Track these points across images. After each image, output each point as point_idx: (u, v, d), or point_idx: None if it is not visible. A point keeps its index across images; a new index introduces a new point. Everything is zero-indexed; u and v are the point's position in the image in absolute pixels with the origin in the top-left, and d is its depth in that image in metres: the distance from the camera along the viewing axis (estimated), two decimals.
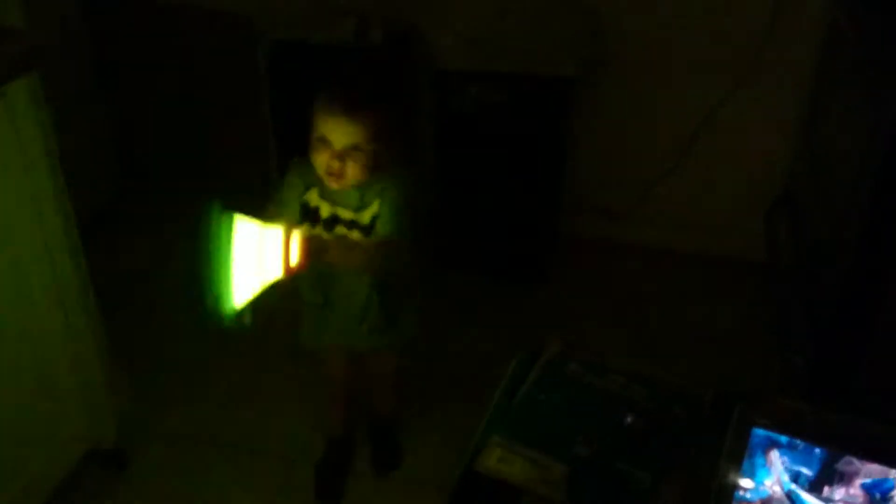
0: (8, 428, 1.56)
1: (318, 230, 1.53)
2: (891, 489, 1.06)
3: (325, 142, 1.45)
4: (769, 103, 2.39)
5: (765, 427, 1.11)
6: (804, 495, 1.08)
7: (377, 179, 1.50)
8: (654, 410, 1.25)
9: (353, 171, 1.46)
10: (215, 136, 2.72)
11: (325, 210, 1.53)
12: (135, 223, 2.75)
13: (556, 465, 1.15)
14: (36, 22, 1.51)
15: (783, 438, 1.10)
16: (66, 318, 1.65)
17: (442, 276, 2.47)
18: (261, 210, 1.40)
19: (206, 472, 1.88)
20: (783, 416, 1.12)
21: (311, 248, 1.35)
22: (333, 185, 1.48)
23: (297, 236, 1.31)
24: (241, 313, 1.26)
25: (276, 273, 1.30)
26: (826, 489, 1.07)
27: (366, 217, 1.51)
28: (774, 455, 1.10)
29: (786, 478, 1.09)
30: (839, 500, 1.07)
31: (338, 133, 1.43)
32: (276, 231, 1.30)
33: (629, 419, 1.23)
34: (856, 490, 1.07)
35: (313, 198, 1.53)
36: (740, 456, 1.09)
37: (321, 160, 1.46)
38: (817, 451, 1.08)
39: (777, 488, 1.09)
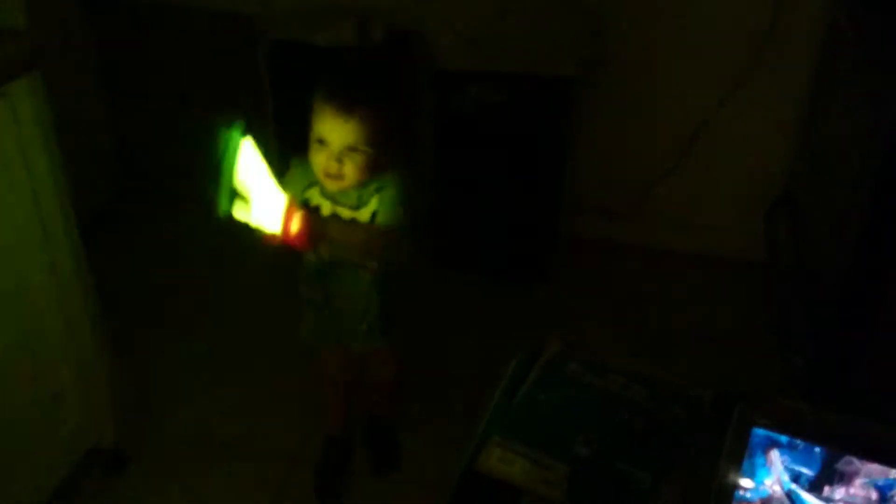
0: (8, 428, 1.56)
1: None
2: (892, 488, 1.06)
3: (322, 142, 1.44)
4: (769, 103, 2.39)
5: (765, 427, 1.11)
6: (804, 495, 1.08)
7: (375, 180, 1.50)
8: (654, 410, 1.25)
9: (351, 173, 1.45)
10: (215, 136, 2.71)
11: (326, 209, 1.53)
12: (135, 223, 2.75)
13: (556, 465, 1.15)
14: (36, 22, 1.52)
15: (783, 438, 1.10)
16: (66, 318, 1.65)
17: (442, 276, 2.47)
18: None
19: (206, 472, 1.88)
20: (783, 416, 1.12)
21: (312, 225, 1.38)
22: (331, 186, 1.48)
23: (298, 212, 1.37)
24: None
25: (273, 227, 1.35)
26: (826, 489, 1.07)
27: (365, 215, 1.51)
28: (774, 455, 1.10)
29: (786, 477, 1.09)
30: (839, 500, 1.07)
31: (336, 133, 1.43)
32: (281, 195, 1.35)
33: (629, 419, 1.23)
34: (856, 490, 1.07)
35: (314, 196, 1.53)
36: (740, 456, 1.09)
37: (319, 161, 1.46)
38: (817, 450, 1.08)
39: (777, 488, 1.09)
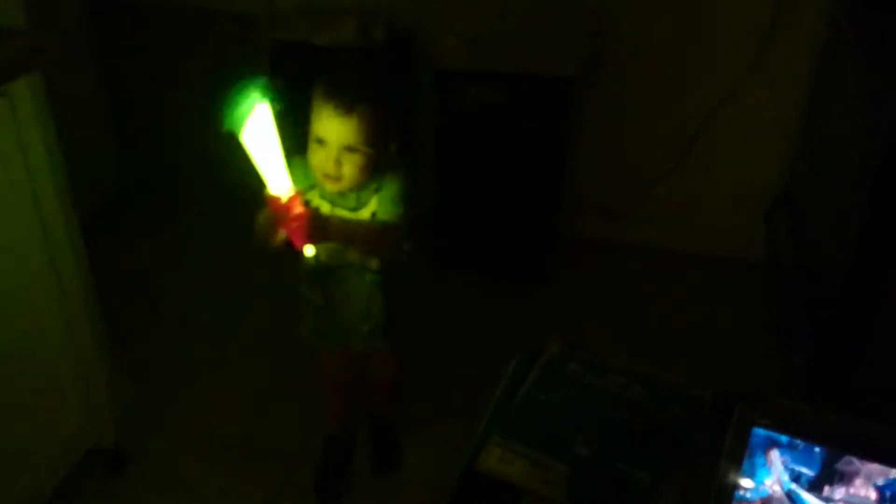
0: (8, 428, 1.56)
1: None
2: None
3: (321, 142, 1.44)
4: (769, 103, 2.39)
5: (765, 427, 1.11)
6: (804, 495, 1.08)
7: (374, 180, 1.49)
8: (654, 410, 1.25)
9: (349, 174, 1.44)
10: (215, 136, 2.71)
11: (326, 210, 1.53)
12: (135, 223, 2.75)
13: (557, 465, 1.15)
14: (36, 22, 1.52)
15: (783, 438, 1.10)
16: (66, 318, 1.65)
17: (442, 276, 2.47)
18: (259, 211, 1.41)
19: (206, 472, 1.87)
20: (783, 416, 1.12)
21: (313, 222, 1.37)
22: (330, 187, 1.48)
23: (300, 206, 1.36)
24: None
25: (275, 188, 1.35)
26: (826, 489, 1.07)
27: (364, 215, 1.51)
28: (774, 455, 1.10)
29: (786, 477, 1.09)
30: (839, 500, 1.07)
31: (335, 132, 1.42)
32: (288, 183, 1.35)
33: (629, 419, 1.23)
34: (856, 490, 1.07)
35: (314, 197, 1.53)
36: (740, 456, 1.09)
37: (318, 161, 1.45)
38: (817, 450, 1.08)
39: (777, 488, 1.09)
